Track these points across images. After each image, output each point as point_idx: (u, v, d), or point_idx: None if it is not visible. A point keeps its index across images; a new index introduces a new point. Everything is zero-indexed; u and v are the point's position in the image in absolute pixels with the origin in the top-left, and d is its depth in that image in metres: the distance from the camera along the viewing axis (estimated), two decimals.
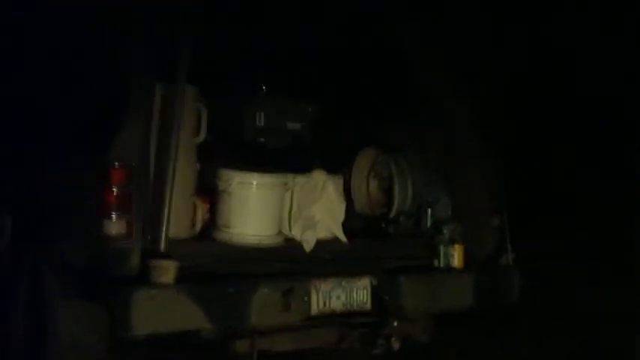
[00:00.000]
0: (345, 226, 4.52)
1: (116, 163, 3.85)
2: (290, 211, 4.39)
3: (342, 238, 4.47)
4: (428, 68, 4.85)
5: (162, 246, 3.82)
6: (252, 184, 4.26)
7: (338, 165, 4.75)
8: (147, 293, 3.74)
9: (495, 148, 4.80)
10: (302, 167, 4.56)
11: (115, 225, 3.85)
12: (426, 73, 4.85)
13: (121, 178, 3.85)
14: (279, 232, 4.35)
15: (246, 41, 4.85)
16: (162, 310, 3.78)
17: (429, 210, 4.71)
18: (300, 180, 4.43)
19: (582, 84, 5.42)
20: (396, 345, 4.57)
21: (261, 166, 4.38)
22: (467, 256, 4.59)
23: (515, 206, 4.79)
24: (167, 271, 3.75)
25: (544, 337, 5.35)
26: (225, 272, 4.08)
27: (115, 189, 3.85)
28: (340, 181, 4.59)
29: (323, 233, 4.43)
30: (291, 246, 4.35)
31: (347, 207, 4.57)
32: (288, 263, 4.29)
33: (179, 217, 4.03)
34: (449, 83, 4.80)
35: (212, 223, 4.28)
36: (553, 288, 5.43)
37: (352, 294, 4.29)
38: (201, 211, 4.22)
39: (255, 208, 4.26)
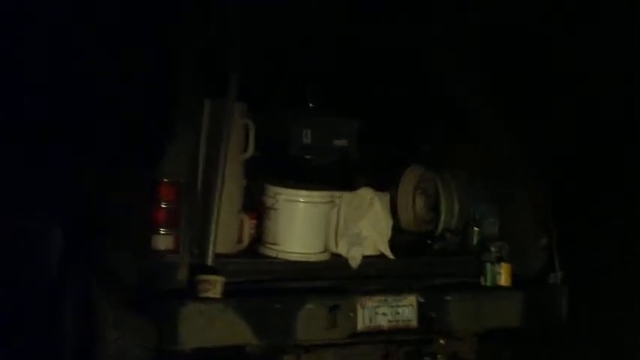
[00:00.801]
0: (392, 243, 4.52)
1: (165, 179, 3.91)
2: (336, 228, 4.40)
3: (389, 254, 4.47)
4: (476, 89, 4.86)
5: (210, 261, 3.86)
6: (298, 200, 4.28)
7: (384, 181, 4.75)
8: (194, 307, 3.79)
9: (544, 167, 4.79)
10: (348, 184, 4.58)
11: (163, 240, 3.91)
12: (475, 95, 4.86)
13: (169, 194, 3.91)
14: (326, 249, 4.36)
15: (294, 57, 4.89)
16: (210, 324, 3.83)
17: (476, 228, 4.69)
18: (346, 196, 4.44)
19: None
20: None
21: (308, 183, 4.40)
22: (514, 275, 4.57)
23: (566, 225, 4.76)
24: (214, 285, 3.79)
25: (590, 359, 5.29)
26: (271, 288, 4.12)
27: (163, 204, 3.91)
28: (386, 198, 4.59)
29: (369, 250, 4.43)
30: (337, 262, 4.35)
31: (393, 224, 4.57)
32: (334, 280, 4.31)
33: (226, 232, 4.06)
34: (497, 105, 4.81)
35: (259, 238, 4.30)
36: (601, 309, 5.36)
37: (398, 311, 4.29)
38: (248, 227, 4.24)
39: (302, 225, 4.28)
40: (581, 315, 4.86)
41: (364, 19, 4.85)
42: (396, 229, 4.63)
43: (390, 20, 4.86)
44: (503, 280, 4.54)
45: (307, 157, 4.87)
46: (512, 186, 4.75)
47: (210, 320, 3.81)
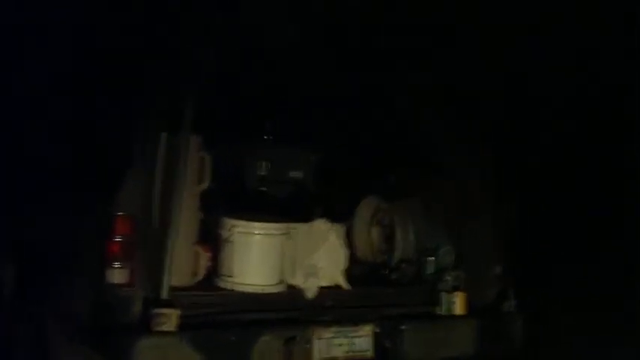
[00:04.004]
0: (348, 274, 4.55)
1: (119, 213, 3.91)
2: (292, 259, 4.42)
3: (345, 285, 4.49)
4: (434, 119, 4.92)
5: (165, 294, 3.86)
6: (254, 232, 4.30)
7: (340, 213, 4.79)
8: (149, 341, 3.78)
9: (500, 195, 4.85)
10: (304, 216, 4.60)
11: (117, 274, 3.91)
12: (432, 124, 4.92)
13: (124, 228, 3.91)
14: (282, 281, 4.37)
15: (250, 90, 4.92)
16: (165, 358, 3.82)
17: (431, 257, 4.74)
18: (302, 228, 4.47)
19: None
20: None
21: (264, 215, 4.42)
22: (469, 304, 4.61)
23: (523, 255, 4.81)
24: (169, 319, 3.79)
25: None
26: (227, 320, 4.12)
27: (118, 238, 3.91)
28: (342, 229, 4.63)
29: (325, 281, 4.45)
30: (293, 294, 4.36)
31: (349, 254, 4.60)
32: (290, 311, 4.31)
33: (181, 265, 4.06)
34: (456, 135, 4.87)
35: (214, 271, 4.31)
36: (559, 337, 5.41)
37: (354, 342, 4.31)
38: (204, 260, 4.25)
39: (257, 257, 4.29)
40: (536, 343, 4.90)
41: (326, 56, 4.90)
42: (352, 259, 4.66)
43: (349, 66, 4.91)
44: (459, 308, 4.58)
45: (263, 189, 4.91)
46: (468, 215, 4.80)
47: (165, 354, 3.79)
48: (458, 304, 4.59)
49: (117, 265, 3.90)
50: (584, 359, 5.35)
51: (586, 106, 5.27)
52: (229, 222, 4.29)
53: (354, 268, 4.66)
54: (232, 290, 4.24)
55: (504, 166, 5.03)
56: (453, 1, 4.86)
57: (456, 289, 4.61)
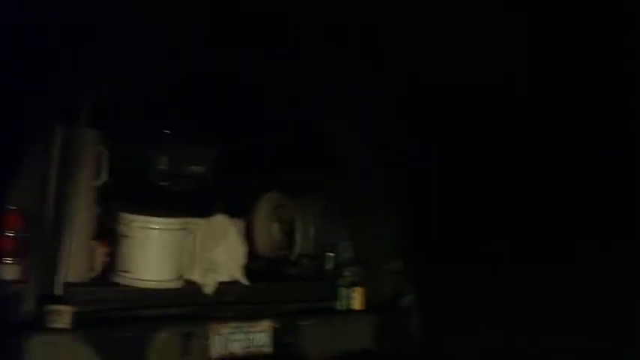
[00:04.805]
0: (247, 269, 4.54)
1: (11, 207, 3.83)
2: (191, 255, 4.39)
3: (244, 281, 4.49)
4: (334, 117, 4.95)
5: (59, 290, 3.80)
6: (152, 227, 4.25)
7: (241, 208, 4.78)
8: (42, 338, 3.71)
9: (399, 193, 4.91)
10: (204, 211, 4.58)
11: (10, 269, 3.82)
12: (332, 123, 4.95)
13: (16, 223, 3.83)
14: (180, 276, 4.34)
15: (151, 85, 4.86)
16: (58, 355, 3.75)
17: (331, 253, 4.77)
18: (201, 223, 4.45)
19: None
20: None
21: (163, 210, 4.38)
22: (367, 299, 4.67)
23: (421, 251, 4.89)
24: (62, 315, 3.72)
25: None
26: (124, 317, 4.07)
27: (10, 233, 3.82)
28: (242, 225, 4.62)
29: (224, 276, 4.44)
30: (191, 290, 4.34)
31: (249, 250, 4.60)
32: (188, 307, 4.29)
33: (76, 261, 4.00)
34: (354, 132, 4.90)
35: (112, 267, 4.25)
36: (456, 332, 5.52)
37: (252, 337, 4.31)
38: (100, 255, 4.19)
39: (156, 252, 4.25)
40: (433, 337, 4.99)
41: (229, 52, 4.87)
42: (252, 255, 4.66)
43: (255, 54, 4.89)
44: (357, 304, 4.63)
45: (163, 184, 4.86)
46: (367, 212, 4.84)
47: (58, 351, 3.73)
48: (356, 299, 4.64)
49: (9, 260, 3.82)
50: (481, 354, 5.48)
51: (483, 106, 5.39)
52: (127, 217, 4.24)
53: (254, 264, 4.65)
54: (129, 286, 4.19)
55: (406, 165, 5.12)
56: None
57: (354, 284, 4.66)
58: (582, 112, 5.52)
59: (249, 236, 4.71)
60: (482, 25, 5.17)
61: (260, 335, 4.34)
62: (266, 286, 4.60)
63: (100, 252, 4.20)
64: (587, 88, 5.46)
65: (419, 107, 5.45)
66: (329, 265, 4.76)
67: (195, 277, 4.38)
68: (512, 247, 5.52)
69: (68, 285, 3.87)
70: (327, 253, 4.76)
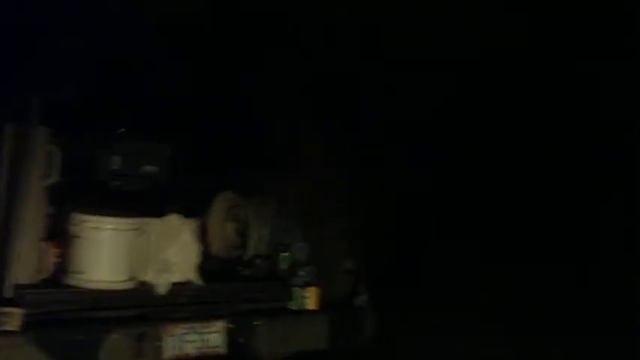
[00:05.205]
0: (201, 270, 4.52)
1: None
2: (144, 255, 4.35)
3: (197, 281, 4.46)
4: (289, 117, 4.94)
5: (8, 292, 3.74)
6: (105, 228, 4.20)
7: (195, 208, 4.75)
8: None
9: (354, 194, 4.92)
10: (158, 211, 4.53)
11: None
12: (287, 122, 4.94)
13: None
14: (133, 277, 4.29)
15: (105, 84, 4.81)
16: (8, 358, 3.69)
17: (285, 253, 4.76)
18: (155, 223, 4.41)
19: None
20: None
21: (116, 210, 4.33)
22: (322, 299, 4.67)
23: (376, 251, 4.90)
24: (12, 318, 3.67)
25: None
26: (75, 318, 4.02)
27: None
28: (196, 225, 4.58)
29: (178, 277, 4.40)
30: (144, 290, 4.30)
31: (203, 250, 4.57)
32: (141, 308, 4.25)
33: (27, 262, 3.93)
34: (312, 133, 4.90)
35: (64, 268, 4.19)
36: (411, 331, 5.54)
37: (207, 338, 4.29)
38: (51, 256, 4.13)
39: (108, 253, 4.20)
40: (388, 337, 5.01)
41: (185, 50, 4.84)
42: (206, 255, 4.63)
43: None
44: (311, 303, 4.64)
45: (116, 183, 4.79)
46: (322, 212, 4.85)
47: (8, 355, 3.67)
48: (310, 299, 4.64)
49: None
50: (435, 354, 5.51)
51: (448, 108, 5.42)
52: (79, 217, 4.18)
53: (208, 264, 4.62)
54: (81, 287, 4.14)
55: (361, 165, 5.13)
56: None
57: (308, 284, 4.66)
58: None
59: (203, 236, 4.68)
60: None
61: (214, 336, 4.32)
62: (220, 286, 4.58)
63: (51, 253, 4.13)
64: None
65: (381, 104, 5.46)
66: (283, 265, 4.76)
67: (149, 277, 4.34)
68: (473, 244, 5.56)
69: (18, 287, 3.81)
70: (282, 253, 4.76)
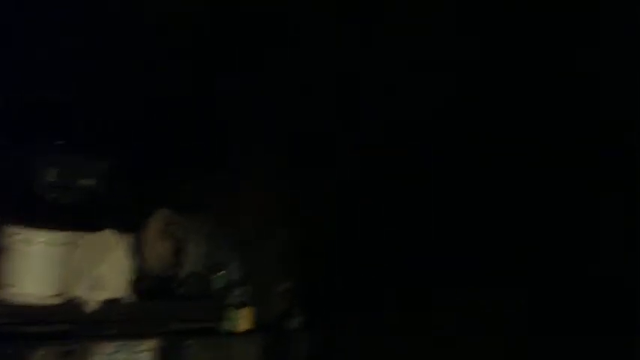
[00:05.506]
0: (134, 287, 4.46)
1: None
2: (76, 270, 4.29)
3: (129, 298, 4.41)
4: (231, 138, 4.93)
5: None
6: (36, 241, 4.14)
7: (131, 224, 4.69)
8: None
9: (291, 214, 4.91)
10: (93, 225, 4.48)
11: None
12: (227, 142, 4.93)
13: None
14: (64, 292, 4.23)
15: (41, 94, 4.75)
16: None
17: (220, 272, 4.73)
18: (87, 238, 4.35)
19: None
20: None
21: (51, 224, 4.27)
22: (256, 320, 4.64)
23: (311, 273, 4.89)
24: None
25: None
26: (2, 333, 3.95)
27: None
28: (130, 241, 4.53)
29: (110, 293, 4.34)
30: (75, 306, 4.23)
31: (137, 267, 4.51)
32: (70, 324, 4.19)
33: None
34: (249, 155, 4.89)
35: None
36: (344, 355, 5.52)
37: (136, 357, 4.24)
38: None
39: (38, 267, 4.14)
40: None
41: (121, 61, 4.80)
42: (141, 272, 4.58)
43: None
44: (244, 324, 4.61)
45: (51, 196, 4.73)
46: (260, 231, 4.84)
47: None
48: (244, 319, 4.61)
49: None
50: None
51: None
52: (10, 230, 4.12)
53: (142, 281, 4.57)
54: (10, 301, 4.07)
55: (300, 185, 5.11)
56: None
57: (243, 304, 4.63)
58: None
59: (138, 253, 4.63)
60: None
61: (144, 355, 4.27)
62: (152, 304, 4.53)
63: None
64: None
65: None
66: (218, 285, 4.73)
67: (80, 293, 4.28)
68: (416, 270, 5.52)
69: None
70: (217, 273, 4.72)
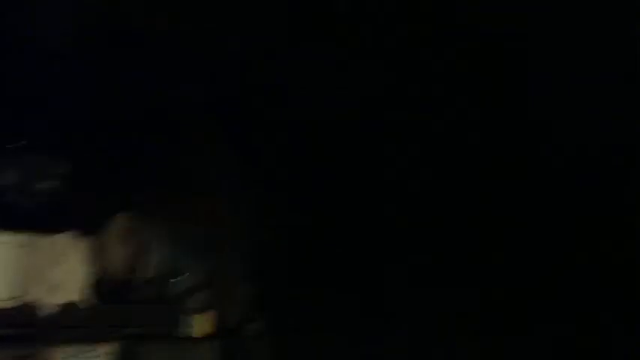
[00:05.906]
0: (92, 290, 4.42)
1: None
2: (31, 274, 4.25)
3: (86, 303, 4.36)
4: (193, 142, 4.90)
5: None
6: None
7: (91, 227, 4.65)
8: None
9: (256, 215, 4.87)
10: (52, 228, 4.43)
11: None
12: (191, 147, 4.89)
13: None
14: (18, 295, 4.19)
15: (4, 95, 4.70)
16: None
17: (179, 277, 4.69)
18: (44, 241, 4.31)
19: None
20: None
21: (9, 226, 4.23)
22: (215, 325, 4.60)
23: (275, 277, 4.84)
24: None
25: None
26: None
27: None
28: (89, 244, 4.49)
29: (65, 297, 4.31)
30: (30, 310, 4.19)
31: (96, 270, 4.47)
32: (25, 328, 4.14)
33: None
34: (211, 157, 4.86)
35: None
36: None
37: None
38: None
39: None
40: None
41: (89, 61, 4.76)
42: (100, 276, 4.54)
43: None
44: (204, 329, 4.56)
45: (9, 198, 4.68)
46: (221, 235, 4.79)
47: None
48: (204, 324, 4.57)
49: None
50: None
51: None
52: None
53: (101, 285, 4.53)
54: None
55: (265, 190, 5.08)
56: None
57: (202, 309, 4.58)
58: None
59: (97, 256, 4.59)
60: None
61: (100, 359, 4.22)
62: (109, 309, 4.48)
63: None
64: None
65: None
66: (177, 289, 4.68)
67: (35, 297, 4.23)
68: (379, 277, 5.49)
69: None
70: (176, 277, 4.68)
